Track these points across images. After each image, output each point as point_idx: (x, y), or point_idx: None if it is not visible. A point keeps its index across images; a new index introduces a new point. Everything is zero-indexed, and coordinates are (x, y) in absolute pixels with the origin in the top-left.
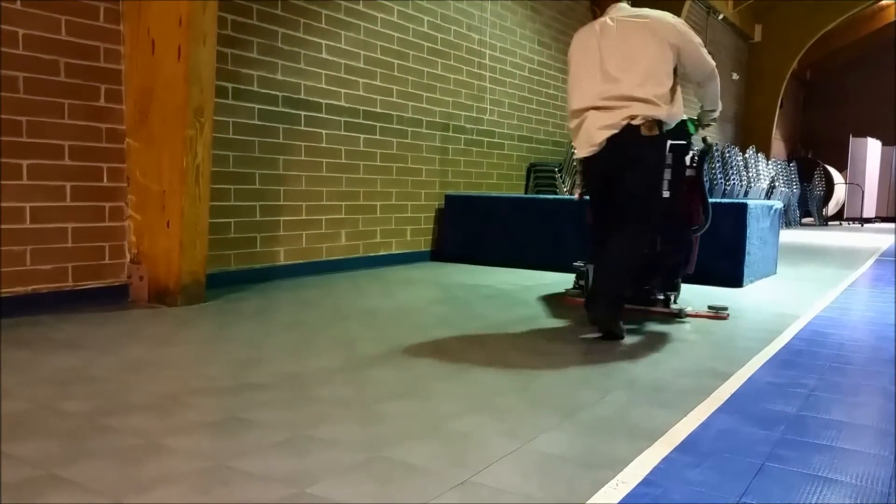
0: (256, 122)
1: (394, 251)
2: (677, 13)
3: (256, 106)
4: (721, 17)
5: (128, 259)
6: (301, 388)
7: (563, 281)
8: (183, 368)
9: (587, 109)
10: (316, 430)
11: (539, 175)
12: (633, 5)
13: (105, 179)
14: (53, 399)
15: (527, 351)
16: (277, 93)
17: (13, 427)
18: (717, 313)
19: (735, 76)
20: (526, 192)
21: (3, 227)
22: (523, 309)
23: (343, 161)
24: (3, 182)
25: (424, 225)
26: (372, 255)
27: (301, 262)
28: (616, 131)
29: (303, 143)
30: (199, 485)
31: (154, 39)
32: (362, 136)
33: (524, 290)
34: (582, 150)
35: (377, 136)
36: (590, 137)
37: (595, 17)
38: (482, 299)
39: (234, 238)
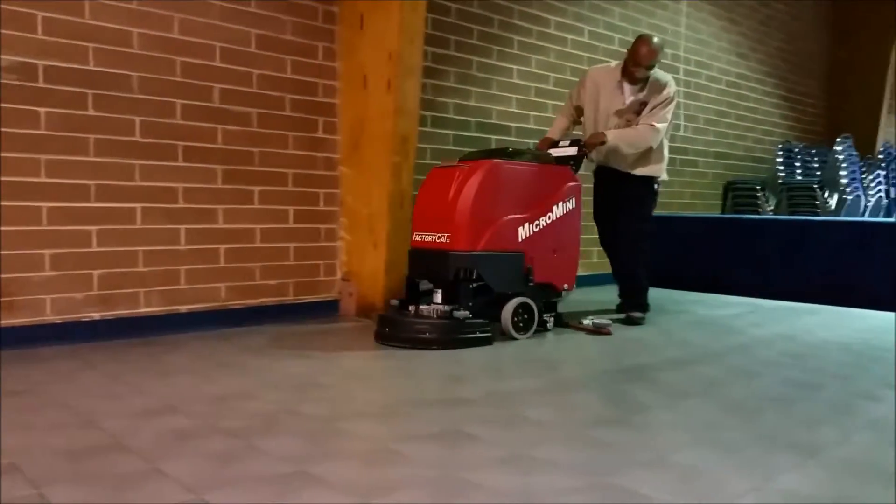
0: (452, 147)
1: (581, 273)
2: None
3: (452, 132)
4: None
5: (339, 276)
6: (509, 407)
7: (766, 305)
8: (396, 380)
9: None
10: (534, 450)
11: (739, 194)
12: None
13: (321, 203)
14: (293, 402)
15: (743, 381)
16: (471, 119)
17: (264, 425)
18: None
19: None
20: (722, 212)
21: (239, 245)
22: (735, 337)
23: None
24: (239, 206)
25: None
26: None
27: None
28: None
29: None
30: (436, 492)
31: (366, 74)
32: None
33: (733, 318)
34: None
35: None
36: None
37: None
38: (686, 325)
39: None
